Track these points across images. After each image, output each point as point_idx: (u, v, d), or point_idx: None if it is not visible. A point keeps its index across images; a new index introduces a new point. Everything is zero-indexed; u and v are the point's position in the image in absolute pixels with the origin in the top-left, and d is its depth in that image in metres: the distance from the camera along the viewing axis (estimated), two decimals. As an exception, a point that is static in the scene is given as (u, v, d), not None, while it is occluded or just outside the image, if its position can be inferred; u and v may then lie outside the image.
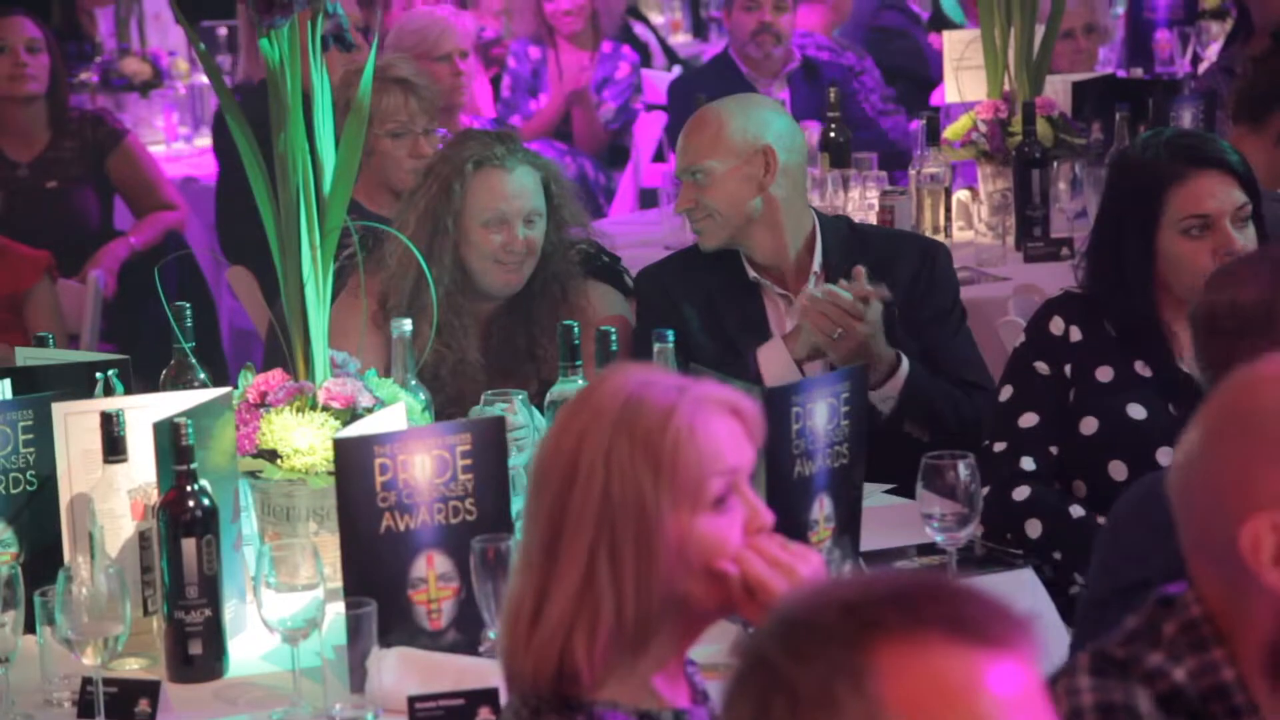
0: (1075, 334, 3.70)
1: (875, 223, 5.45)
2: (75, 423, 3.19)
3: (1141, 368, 3.64)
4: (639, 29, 9.14)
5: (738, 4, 6.96)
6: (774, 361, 3.98)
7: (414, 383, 3.62)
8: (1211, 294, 2.85)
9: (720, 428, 2.21)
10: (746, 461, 2.24)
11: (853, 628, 1.59)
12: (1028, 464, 3.63)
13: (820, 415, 3.20)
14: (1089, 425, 3.65)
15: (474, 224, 4.12)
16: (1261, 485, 1.91)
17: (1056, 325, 3.71)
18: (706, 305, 4.15)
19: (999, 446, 3.67)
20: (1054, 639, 3.22)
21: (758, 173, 4.09)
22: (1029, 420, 3.67)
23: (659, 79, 8.26)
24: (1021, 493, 3.61)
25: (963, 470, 3.22)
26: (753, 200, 4.09)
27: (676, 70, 8.97)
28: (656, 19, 10.64)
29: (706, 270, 4.18)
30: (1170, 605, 1.97)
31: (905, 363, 3.97)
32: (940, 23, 8.15)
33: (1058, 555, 3.55)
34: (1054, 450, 3.66)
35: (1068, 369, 3.69)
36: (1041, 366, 3.70)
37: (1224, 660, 1.93)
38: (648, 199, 7.30)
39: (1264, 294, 2.78)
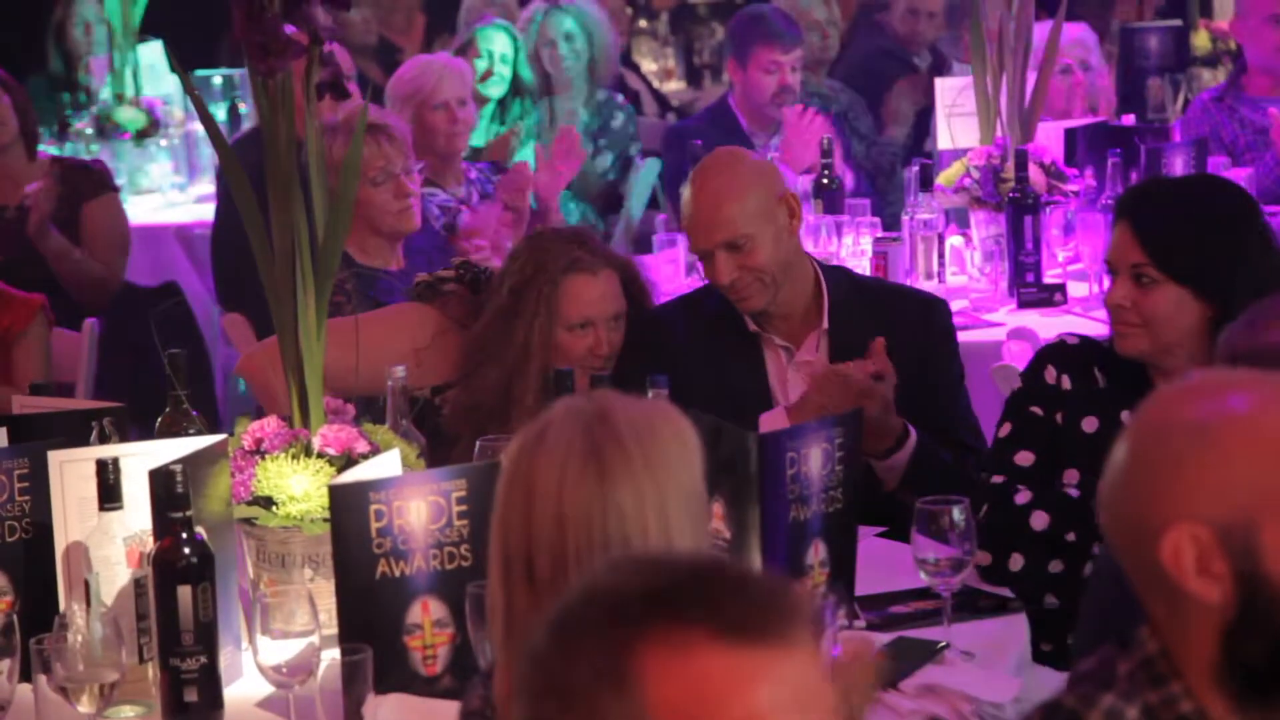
0: (1066, 383, 3.71)
1: (869, 270, 5.45)
2: (71, 470, 3.19)
3: (1128, 418, 3.62)
4: (628, 77, 9.17)
5: (755, 65, 6.89)
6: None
7: (408, 428, 3.63)
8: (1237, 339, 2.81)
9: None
10: None
11: (617, 628, 1.58)
12: (1023, 497, 3.63)
13: (815, 460, 3.21)
14: (1070, 477, 3.65)
15: (560, 330, 4.11)
16: (1176, 497, 1.93)
17: (1050, 374, 3.73)
18: (705, 352, 4.13)
19: (996, 479, 3.68)
20: (1047, 686, 3.23)
21: (786, 220, 4.07)
22: (1025, 459, 3.68)
23: (651, 126, 8.28)
24: (1023, 496, 3.62)
25: (957, 515, 3.22)
26: (790, 249, 4.09)
27: (669, 118, 9.00)
28: (650, 66, 10.68)
29: (707, 317, 4.15)
30: (1127, 645, 1.98)
31: (913, 434, 3.94)
32: (941, 69, 8.17)
33: (1071, 536, 3.56)
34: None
35: (1059, 417, 3.70)
36: (1037, 411, 3.72)
37: (1182, 693, 1.94)
38: (642, 244, 7.31)
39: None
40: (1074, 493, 3.61)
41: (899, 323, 4.08)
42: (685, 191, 4.17)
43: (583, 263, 4.13)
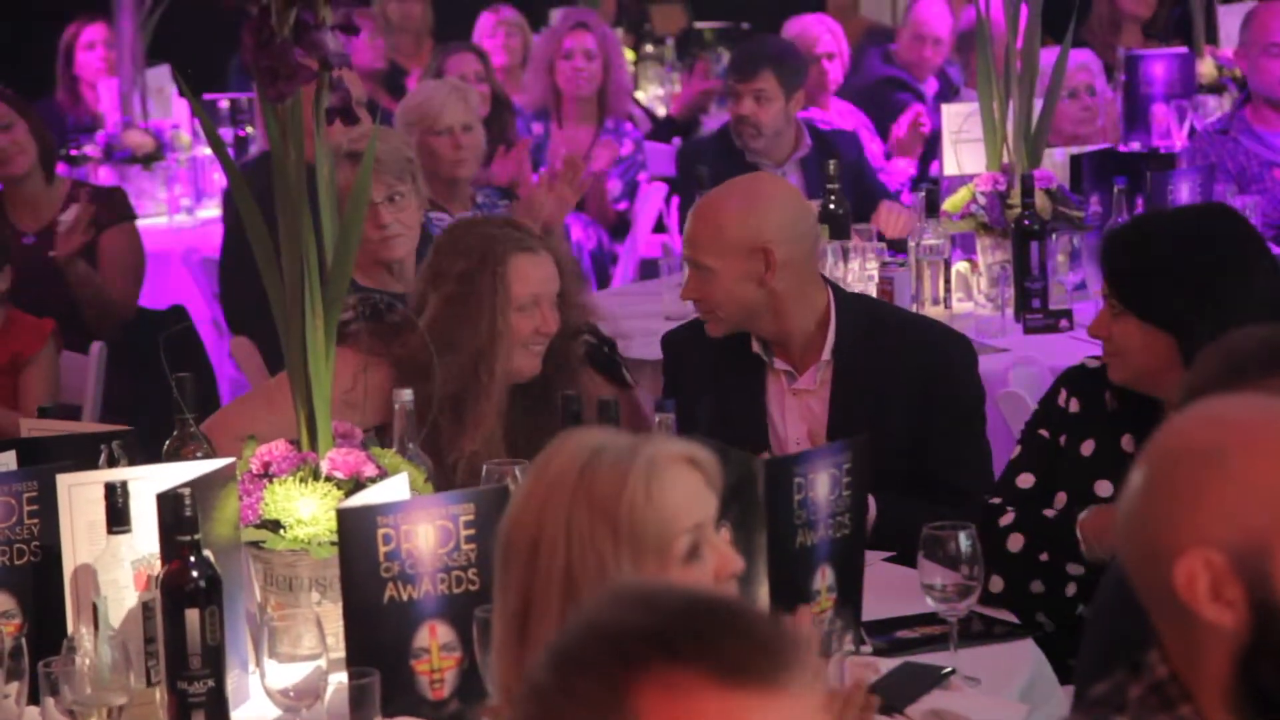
0: (1074, 406, 3.72)
1: (874, 294, 5.44)
2: (79, 494, 3.20)
3: (1128, 443, 3.63)
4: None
5: (728, 92, 6.85)
6: None
7: (416, 452, 3.63)
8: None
9: (678, 486, 2.27)
10: (709, 513, 2.29)
11: (616, 666, 1.59)
12: (1006, 519, 3.63)
13: (822, 486, 3.22)
14: (1058, 500, 3.66)
15: (510, 309, 4.08)
16: (1190, 522, 1.92)
17: (1061, 396, 3.74)
18: (711, 372, 4.13)
19: (995, 500, 3.69)
20: (1056, 707, 3.23)
21: (758, 270, 4.00)
22: (1025, 481, 3.71)
23: (654, 150, 8.29)
24: (1007, 518, 3.64)
25: (964, 541, 3.23)
26: (754, 296, 4.03)
27: (676, 141, 9.00)
28: (655, 91, 10.69)
29: (718, 338, 4.13)
30: (1138, 669, 1.99)
31: (873, 504, 3.78)
32: (947, 95, 8.18)
33: (1044, 558, 3.57)
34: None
35: (1062, 440, 3.71)
36: (1044, 434, 3.73)
37: (1192, 715, 1.94)
38: (647, 268, 7.32)
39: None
40: (1050, 513, 3.62)
41: (908, 358, 4.05)
42: None
43: (525, 242, 4.14)
